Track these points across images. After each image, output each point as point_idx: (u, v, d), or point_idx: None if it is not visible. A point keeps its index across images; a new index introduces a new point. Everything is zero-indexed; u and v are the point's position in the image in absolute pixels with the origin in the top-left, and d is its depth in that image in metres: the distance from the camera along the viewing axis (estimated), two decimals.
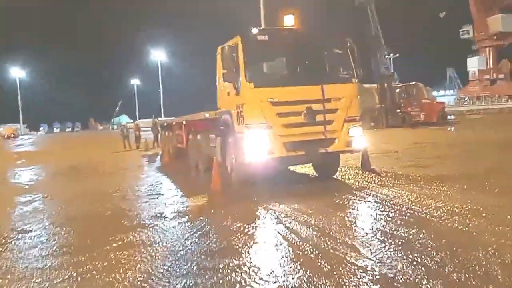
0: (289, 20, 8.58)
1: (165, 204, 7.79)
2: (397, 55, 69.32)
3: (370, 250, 4.48)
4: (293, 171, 10.74)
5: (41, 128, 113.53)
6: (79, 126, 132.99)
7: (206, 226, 5.94)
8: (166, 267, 4.40)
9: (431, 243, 4.55)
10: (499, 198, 6.54)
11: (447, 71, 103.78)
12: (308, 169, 10.66)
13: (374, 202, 6.80)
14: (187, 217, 6.62)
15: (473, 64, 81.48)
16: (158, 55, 71.58)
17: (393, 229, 5.19)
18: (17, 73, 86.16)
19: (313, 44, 8.62)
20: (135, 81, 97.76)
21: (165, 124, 18.79)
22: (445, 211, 5.88)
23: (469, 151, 13.47)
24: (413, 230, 5.05)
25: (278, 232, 5.38)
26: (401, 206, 6.35)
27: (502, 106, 54.34)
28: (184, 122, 13.50)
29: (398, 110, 30.45)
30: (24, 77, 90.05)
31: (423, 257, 4.18)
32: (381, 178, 9.00)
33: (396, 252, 4.36)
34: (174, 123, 15.62)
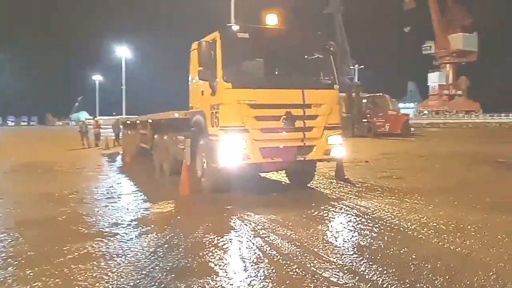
0: (271, 19, 8.09)
1: (127, 209, 7.10)
2: (362, 66, 70.78)
3: (362, 271, 4.03)
4: (264, 178, 10.26)
5: None
6: (36, 120, 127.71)
7: (175, 237, 5.33)
8: (129, 287, 3.79)
9: (426, 265, 4.16)
10: (482, 214, 6.29)
11: (408, 84, 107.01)
12: (280, 176, 10.22)
13: (355, 215, 6.40)
14: (152, 225, 5.98)
15: (434, 79, 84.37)
16: (122, 52, 69.39)
17: (382, 247, 4.79)
18: None
19: (296, 46, 8.19)
20: (97, 77, 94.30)
21: (128, 122, 17.93)
22: (432, 228, 5.56)
23: (438, 163, 13.47)
24: (403, 249, 4.67)
25: (257, 246, 4.86)
26: (385, 220, 5.99)
27: (461, 121, 56.31)
28: (149, 120, 12.79)
29: (364, 120, 30.69)
30: None
31: (421, 282, 3.77)
32: (357, 188, 8.67)
33: (391, 275, 3.93)
34: (138, 121, 14.83)
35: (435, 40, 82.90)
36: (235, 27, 7.64)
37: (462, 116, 64.54)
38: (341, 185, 9.09)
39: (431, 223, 5.77)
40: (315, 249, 4.71)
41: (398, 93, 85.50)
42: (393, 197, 7.66)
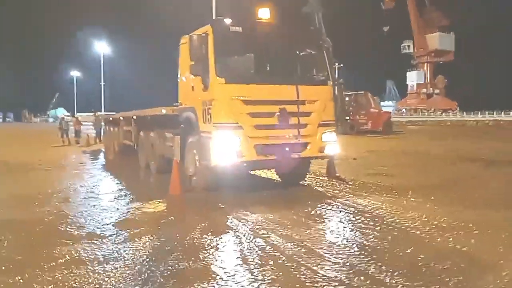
0: (264, 13, 7.87)
1: (117, 209, 6.82)
2: (342, 65, 71.32)
3: (373, 273, 3.88)
4: (254, 175, 10.06)
5: None
6: (12, 117, 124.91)
7: (171, 239, 5.09)
8: None
9: (436, 266, 4.05)
10: (480, 211, 6.28)
11: (387, 83, 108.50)
12: (270, 173, 10.05)
13: (354, 213, 6.27)
14: (145, 226, 5.71)
15: (412, 78, 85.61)
16: (101, 48, 67.94)
17: (388, 247, 4.66)
18: None
19: (290, 41, 7.99)
20: (74, 73, 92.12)
21: (111, 119, 17.47)
22: (434, 226, 5.46)
23: (424, 160, 13.55)
24: (410, 249, 4.55)
25: (259, 248, 4.66)
26: (385, 219, 5.88)
27: (440, 119, 57.28)
28: (134, 117, 12.43)
29: (347, 118, 30.78)
30: None
31: (436, 283, 3.64)
32: (350, 186, 8.56)
33: (403, 277, 3.79)
34: (121, 118, 14.43)
35: (413, 40, 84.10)
36: (228, 20, 7.38)
37: (440, 114, 65.69)
38: (334, 183, 8.97)
39: (432, 221, 5.68)
40: (320, 251, 4.54)
41: (377, 91, 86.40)
42: (388, 195, 7.57)
